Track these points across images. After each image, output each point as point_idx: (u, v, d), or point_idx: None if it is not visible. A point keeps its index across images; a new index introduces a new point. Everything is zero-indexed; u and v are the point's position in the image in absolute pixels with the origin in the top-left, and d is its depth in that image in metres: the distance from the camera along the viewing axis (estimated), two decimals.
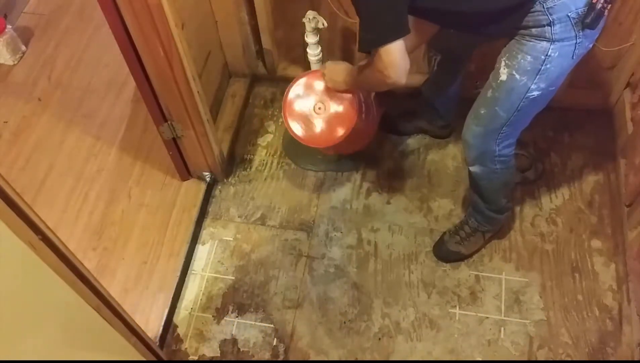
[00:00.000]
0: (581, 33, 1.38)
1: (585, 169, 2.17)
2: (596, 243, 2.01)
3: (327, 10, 2.05)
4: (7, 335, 0.99)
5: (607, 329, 1.85)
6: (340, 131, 1.88)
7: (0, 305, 0.96)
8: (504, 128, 1.58)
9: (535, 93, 1.47)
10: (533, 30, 1.40)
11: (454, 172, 2.20)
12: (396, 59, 1.40)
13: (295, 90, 1.92)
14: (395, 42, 1.38)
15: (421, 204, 2.13)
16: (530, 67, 1.44)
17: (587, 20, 1.35)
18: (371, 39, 1.42)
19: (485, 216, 1.89)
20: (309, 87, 1.91)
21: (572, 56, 1.43)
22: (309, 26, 1.97)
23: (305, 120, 1.92)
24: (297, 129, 1.92)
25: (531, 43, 1.42)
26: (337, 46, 2.27)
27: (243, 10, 2.18)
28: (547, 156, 2.21)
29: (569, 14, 1.35)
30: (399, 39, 1.38)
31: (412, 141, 2.27)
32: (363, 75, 1.65)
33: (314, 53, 2.07)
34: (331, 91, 1.87)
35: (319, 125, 1.91)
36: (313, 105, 1.90)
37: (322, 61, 2.14)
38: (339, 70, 1.79)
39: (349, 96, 1.85)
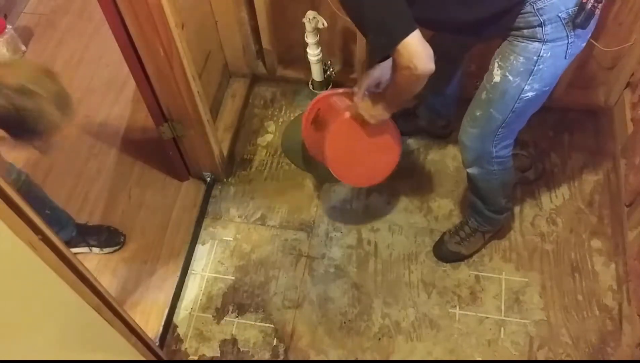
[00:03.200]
0: (573, 33, 1.38)
1: (585, 169, 2.17)
2: (596, 243, 2.01)
3: (327, 10, 2.05)
4: (7, 335, 0.99)
5: (607, 329, 1.85)
6: (388, 166, 1.86)
7: (0, 305, 0.96)
8: (500, 130, 1.58)
9: (530, 94, 1.47)
10: (524, 31, 1.40)
11: (454, 172, 2.20)
12: (417, 48, 1.37)
13: (335, 134, 1.78)
14: (411, 34, 1.36)
15: (421, 204, 2.13)
16: (523, 68, 1.44)
17: (578, 20, 1.35)
18: (386, 42, 1.40)
19: (485, 217, 1.89)
20: (343, 129, 1.78)
21: (565, 56, 1.43)
22: (309, 26, 1.97)
23: (351, 161, 1.85)
24: (346, 175, 1.87)
25: (523, 44, 1.42)
26: (337, 46, 2.27)
27: (243, 10, 2.18)
28: (547, 156, 2.21)
29: (560, 15, 1.35)
30: (413, 31, 1.36)
31: (412, 141, 2.27)
32: (393, 86, 1.57)
33: (314, 53, 2.07)
34: (367, 127, 1.76)
35: (365, 163, 1.86)
36: (355, 144, 1.80)
37: (322, 61, 2.13)
38: (372, 102, 1.70)
39: (385, 126, 1.78)
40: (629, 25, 1.96)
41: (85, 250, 2.02)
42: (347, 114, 1.75)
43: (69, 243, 1.97)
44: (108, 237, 2.04)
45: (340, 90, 1.87)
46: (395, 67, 1.47)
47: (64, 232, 1.96)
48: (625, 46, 2.01)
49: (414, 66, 1.39)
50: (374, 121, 1.70)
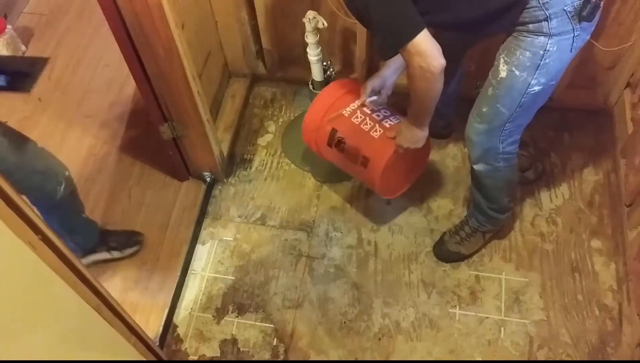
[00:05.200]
0: (578, 26, 1.39)
1: (585, 169, 2.17)
2: (596, 243, 2.01)
3: (327, 10, 2.06)
4: (7, 335, 0.99)
5: (607, 329, 1.85)
6: (424, 161, 1.98)
7: (0, 305, 0.96)
8: (507, 125, 1.58)
9: (536, 88, 1.48)
10: (530, 26, 1.40)
11: (454, 172, 2.20)
12: (426, 46, 1.39)
13: (385, 172, 1.79)
14: (419, 34, 1.37)
15: (421, 204, 2.13)
16: (530, 63, 1.44)
17: (584, 13, 1.36)
18: (395, 41, 1.41)
19: (487, 216, 1.89)
20: (390, 163, 1.79)
21: (571, 49, 1.43)
22: (309, 26, 1.97)
23: (398, 180, 1.94)
24: (394, 192, 1.96)
25: (529, 39, 1.42)
26: (337, 46, 2.27)
27: (243, 10, 2.18)
28: (547, 156, 2.21)
29: (565, 8, 1.35)
30: (421, 31, 1.37)
31: None
32: (414, 94, 1.54)
33: (314, 53, 2.07)
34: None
35: (407, 172, 1.95)
36: (400, 165, 1.85)
37: (322, 61, 2.13)
38: (405, 129, 1.70)
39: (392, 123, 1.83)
40: (629, 25, 1.96)
41: (106, 255, 1.99)
42: (391, 151, 1.75)
43: (92, 250, 1.96)
44: (127, 238, 2.02)
45: (347, 106, 1.86)
46: (407, 71, 1.47)
47: (90, 238, 1.94)
48: (625, 46, 2.01)
49: (429, 62, 1.40)
50: (421, 144, 1.72)
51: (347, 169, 1.96)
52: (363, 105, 1.84)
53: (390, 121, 1.82)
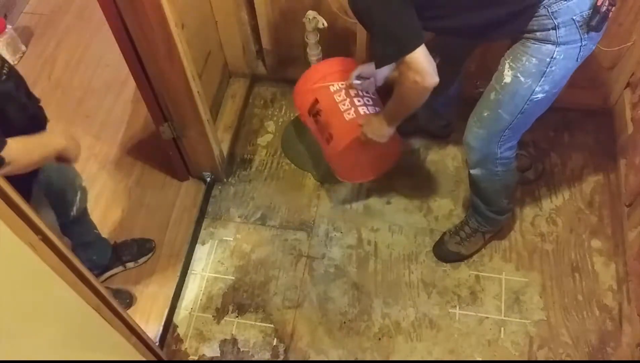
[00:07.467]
0: (586, 36, 1.39)
1: (585, 169, 2.17)
2: (596, 243, 2.01)
3: (327, 10, 2.05)
4: (7, 335, 0.99)
5: (607, 329, 1.85)
6: (391, 159, 2.01)
7: (0, 305, 0.96)
8: (506, 131, 1.58)
9: (540, 95, 1.48)
10: (538, 33, 1.40)
11: (454, 172, 2.20)
12: (425, 62, 1.41)
13: (343, 152, 1.85)
14: (418, 49, 1.39)
15: (421, 204, 2.13)
16: (536, 70, 1.44)
17: (592, 22, 1.36)
18: (393, 52, 1.42)
19: (486, 218, 1.89)
20: (351, 146, 1.84)
21: (577, 58, 1.43)
22: (309, 26, 1.97)
23: (357, 166, 1.98)
24: (351, 176, 2.03)
25: (536, 46, 1.42)
26: (337, 46, 2.26)
27: (243, 10, 2.18)
28: (547, 156, 2.21)
29: (574, 18, 1.35)
30: (421, 44, 1.39)
31: (412, 141, 2.27)
32: (398, 99, 1.57)
33: (314, 53, 2.07)
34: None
35: (370, 163, 1.99)
36: (361, 154, 1.90)
37: (322, 60, 2.13)
38: (377, 122, 1.72)
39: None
40: (629, 25, 1.96)
41: (120, 269, 1.98)
42: (352, 136, 1.79)
43: (107, 268, 1.95)
44: (139, 247, 2.01)
45: (335, 82, 1.92)
46: (400, 80, 1.48)
47: (104, 255, 1.93)
48: (625, 46, 2.01)
49: (422, 79, 1.42)
50: (384, 140, 1.74)
51: (317, 140, 2.01)
52: (350, 86, 1.88)
53: (368, 109, 1.86)
